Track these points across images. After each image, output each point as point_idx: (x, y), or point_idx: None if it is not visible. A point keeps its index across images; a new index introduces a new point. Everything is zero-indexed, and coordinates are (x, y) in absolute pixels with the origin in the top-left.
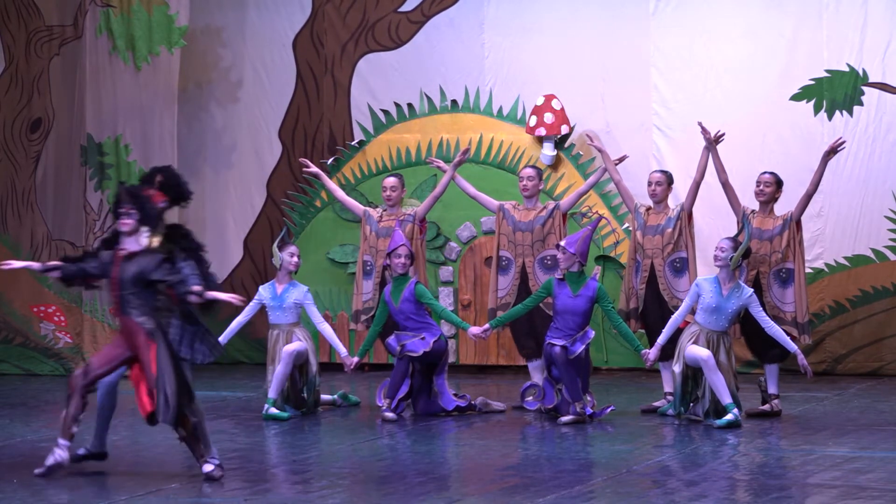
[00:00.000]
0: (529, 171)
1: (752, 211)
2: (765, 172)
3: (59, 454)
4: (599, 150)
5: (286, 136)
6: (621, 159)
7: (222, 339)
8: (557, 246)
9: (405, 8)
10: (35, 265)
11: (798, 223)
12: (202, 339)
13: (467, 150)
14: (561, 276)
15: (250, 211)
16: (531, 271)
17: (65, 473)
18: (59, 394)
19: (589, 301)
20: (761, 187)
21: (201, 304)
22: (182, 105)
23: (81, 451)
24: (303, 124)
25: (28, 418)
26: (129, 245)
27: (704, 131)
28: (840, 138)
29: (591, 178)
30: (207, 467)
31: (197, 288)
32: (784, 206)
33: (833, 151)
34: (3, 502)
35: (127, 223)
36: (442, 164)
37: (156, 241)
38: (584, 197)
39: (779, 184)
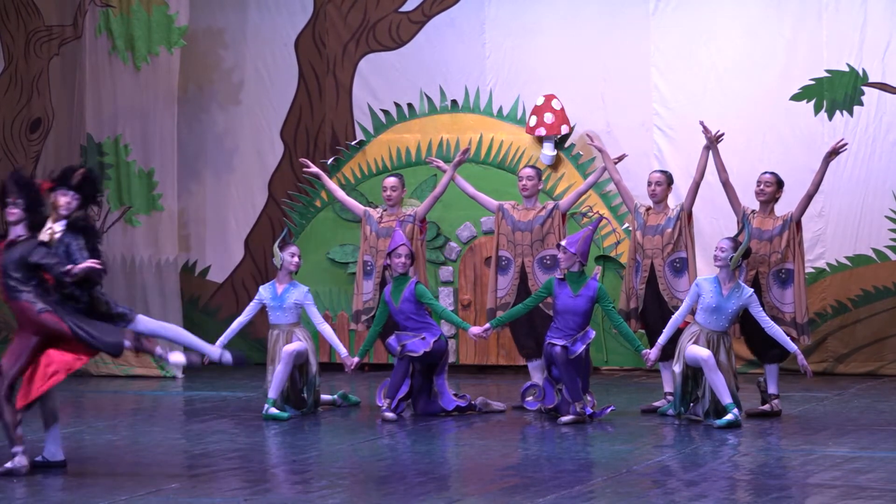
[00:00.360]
0: (529, 171)
1: (753, 211)
2: (765, 172)
3: (18, 460)
4: (599, 150)
5: (288, 136)
6: (620, 158)
7: (223, 339)
8: (558, 246)
9: (406, 8)
10: None
11: (798, 224)
12: (103, 332)
13: (467, 150)
14: (561, 276)
15: (252, 211)
16: (531, 271)
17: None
18: (59, 394)
19: (589, 301)
20: (762, 187)
21: (79, 282)
22: (184, 106)
23: (39, 459)
24: (305, 124)
25: (27, 418)
26: (17, 233)
27: (706, 130)
28: (842, 139)
29: (591, 178)
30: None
31: (68, 267)
32: (784, 206)
33: (835, 153)
34: (2, 502)
35: (13, 213)
36: (442, 163)
37: (57, 229)
38: (584, 197)
39: (779, 184)
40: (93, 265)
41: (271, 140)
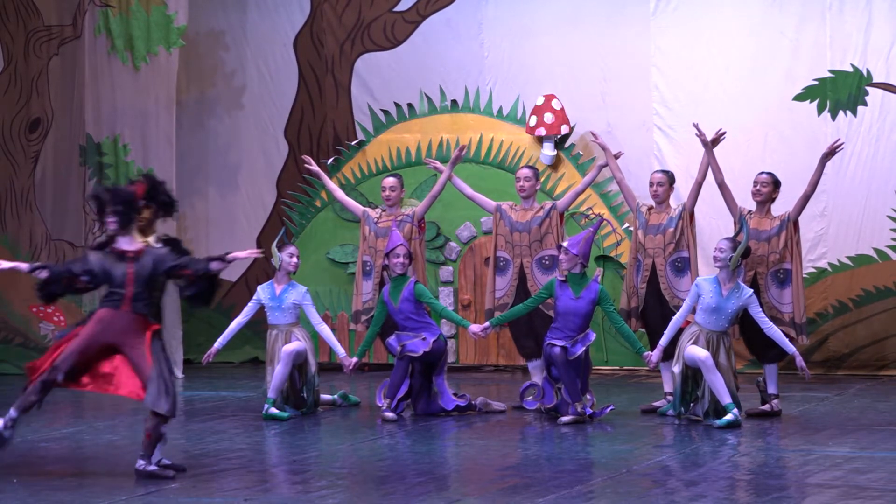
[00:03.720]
0: (526, 172)
1: (749, 211)
2: (762, 172)
3: (4, 420)
4: (603, 148)
5: (292, 135)
6: (617, 155)
7: (221, 340)
8: (559, 247)
9: (400, 7)
10: (23, 266)
11: (796, 224)
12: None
13: (464, 147)
14: (563, 278)
15: (262, 210)
16: (529, 272)
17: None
18: (58, 393)
19: (590, 303)
20: (758, 187)
21: (209, 286)
22: (189, 110)
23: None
24: (307, 124)
25: (28, 418)
26: (125, 245)
27: (700, 133)
28: (838, 140)
29: (588, 177)
30: (153, 466)
31: (215, 263)
32: (782, 206)
33: (831, 153)
34: (3, 502)
35: (111, 222)
36: (438, 164)
37: (151, 241)
38: (584, 196)
39: (776, 184)
40: (252, 254)
41: (276, 140)
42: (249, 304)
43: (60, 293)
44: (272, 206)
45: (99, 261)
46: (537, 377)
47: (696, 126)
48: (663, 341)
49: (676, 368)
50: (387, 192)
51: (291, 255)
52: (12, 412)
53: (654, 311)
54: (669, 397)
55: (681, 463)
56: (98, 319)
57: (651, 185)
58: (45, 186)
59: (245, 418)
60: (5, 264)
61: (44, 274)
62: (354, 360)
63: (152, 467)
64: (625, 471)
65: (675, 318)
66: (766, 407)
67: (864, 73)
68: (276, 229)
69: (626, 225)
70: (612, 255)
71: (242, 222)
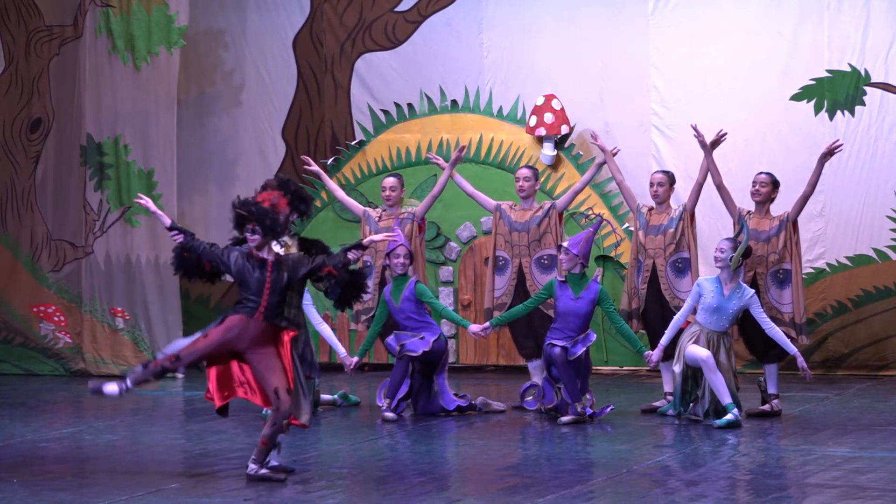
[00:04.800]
0: (525, 172)
1: (748, 212)
2: (761, 173)
3: (120, 385)
4: (602, 149)
5: (289, 136)
6: (614, 152)
7: None
8: (559, 247)
9: (401, 7)
10: (165, 220)
11: (795, 224)
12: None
13: (464, 147)
14: (563, 278)
15: None
16: (528, 271)
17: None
18: (59, 394)
19: (590, 304)
20: (757, 187)
21: (352, 278)
22: (187, 109)
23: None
24: (305, 124)
25: (28, 418)
26: (264, 253)
27: (699, 135)
28: (837, 140)
29: (586, 176)
30: (264, 470)
31: (352, 253)
32: (781, 206)
33: (830, 153)
34: (3, 502)
35: (253, 239)
36: (440, 160)
37: (290, 243)
38: (584, 196)
39: (775, 184)
40: (388, 236)
41: (273, 140)
42: None
43: (188, 269)
44: None
45: (238, 262)
46: (537, 377)
47: (694, 128)
48: (664, 341)
49: (677, 368)
50: (387, 192)
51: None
52: (129, 382)
53: (655, 311)
54: (669, 397)
55: (681, 463)
56: (229, 326)
57: (651, 185)
58: (46, 186)
59: (245, 418)
60: (153, 207)
61: (179, 237)
62: (355, 359)
63: (264, 471)
64: (625, 471)
65: (675, 317)
66: (766, 407)
67: (863, 72)
68: None
69: (626, 225)
70: (612, 255)
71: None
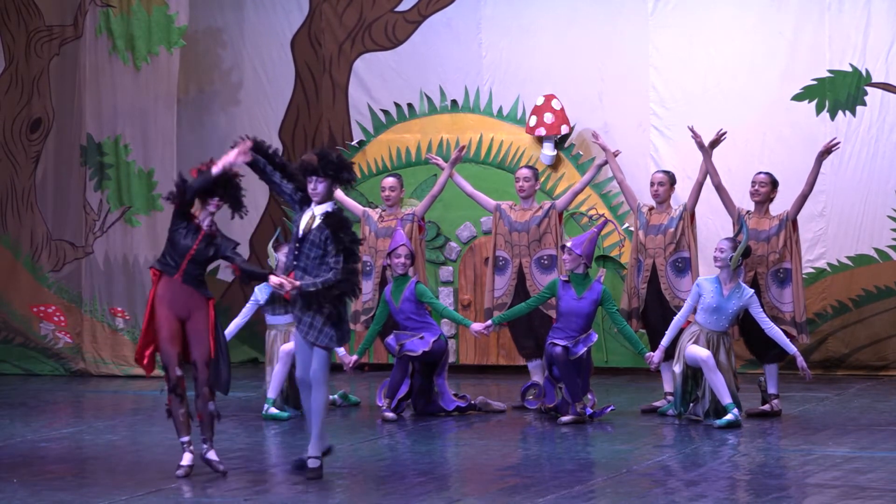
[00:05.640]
0: (525, 172)
1: (748, 212)
2: (760, 172)
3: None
4: (603, 149)
5: (286, 135)
6: (615, 154)
7: None
8: (563, 247)
9: (401, 8)
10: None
11: (794, 223)
12: (334, 324)
13: (464, 148)
14: (566, 278)
15: (254, 211)
16: (528, 271)
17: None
18: (59, 394)
19: (593, 304)
20: (756, 187)
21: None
22: (185, 108)
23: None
24: (303, 124)
25: (28, 418)
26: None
27: (696, 136)
28: (834, 139)
29: (586, 176)
30: (212, 455)
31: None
32: (781, 206)
33: (827, 152)
34: (3, 502)
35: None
36: (440, 161)
37: (318, 213)
38: (584, 196)
39: (774, 184)
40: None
41: (270, 140)
42: (248, 304)
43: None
44: (265, 206)
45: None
46: (537, 377)
47: (691, 129)
48: (665, 342)
49: (677, 368)
50: (387, 193)
51: (287, 256)
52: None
53: (655, 311)
54: (669, 397)
55: (681, 463)
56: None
57: (652, 184)
58: (46, 186)
59: (245, 418)
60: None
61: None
62: (354, 357)
63: (212, 453)
64: (625, 471)
65: (676, 318)
66: (766, 407)
67: (864, 72)
68: (269, 230)
69: (627, 225)
70: (613, 255)
71: (235, 222)
